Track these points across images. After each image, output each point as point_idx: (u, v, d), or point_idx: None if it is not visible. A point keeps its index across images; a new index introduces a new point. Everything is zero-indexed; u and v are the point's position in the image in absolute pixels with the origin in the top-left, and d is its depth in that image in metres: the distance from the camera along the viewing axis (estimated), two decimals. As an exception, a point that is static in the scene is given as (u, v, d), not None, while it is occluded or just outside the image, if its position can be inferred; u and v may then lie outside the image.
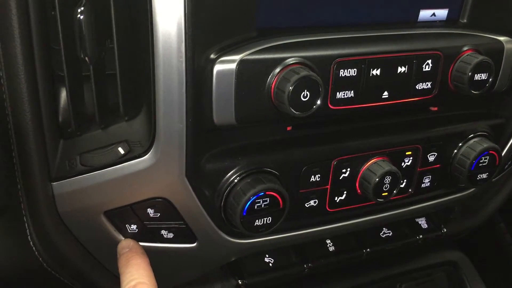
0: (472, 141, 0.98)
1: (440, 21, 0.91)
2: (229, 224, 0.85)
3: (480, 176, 0.99)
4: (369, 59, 0.80)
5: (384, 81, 0.82)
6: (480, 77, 0.86)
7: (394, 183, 0.90)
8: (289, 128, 0.86)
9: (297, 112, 0.73)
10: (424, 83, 0.86)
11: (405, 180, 0.97)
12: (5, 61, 0.72)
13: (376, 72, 0.81)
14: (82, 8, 0.71)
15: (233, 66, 0.72)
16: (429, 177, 1.00)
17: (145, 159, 0.76)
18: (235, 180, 0.82)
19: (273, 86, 0.74)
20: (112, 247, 0.84)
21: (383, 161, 0.91)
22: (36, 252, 0.84)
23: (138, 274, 0.76)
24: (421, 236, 1.16)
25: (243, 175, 0.82)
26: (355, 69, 0.79)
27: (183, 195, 0.80)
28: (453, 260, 1.34)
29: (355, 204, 0.95)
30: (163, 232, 0.85)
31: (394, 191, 0.91)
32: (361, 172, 0.91)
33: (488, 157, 0.97)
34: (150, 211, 0.82)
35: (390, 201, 0.94)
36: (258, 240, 0.91)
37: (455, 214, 1.20)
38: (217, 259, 0.96)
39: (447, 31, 0.89)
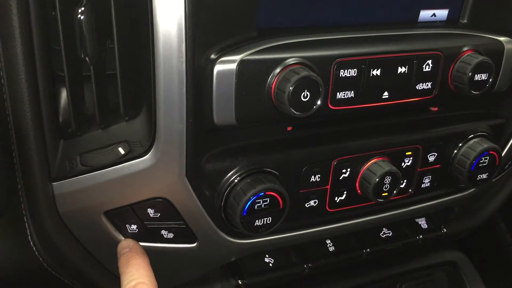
0: (472, 141, 0.98)
1: (440, 21, 0.91)
2: (229, 224, 0.85)
3: (480, 176, 0.99)
4: (370, 59, 0.80)
5: (384, 81, 0.82)
6: (480, 78, 0.86)
7: (394, 183, 0.90)
8: (289, 128, 0.86)
9: (297, 112, 0.73)
10: (424, 83, 0.86)
11: (405, 180, 0.97)
12: (6, 61, 0.72)
13: (376, 72, 0.81)
14: (83, 8, 0.71)
15: (233, 66, 0.72)
16: (429, 177, 1.00)
17: (145, 159, 0.76)
18: (235, 180, 0.82)
19: (273, 86, 0.74)
20: (112, 247, 0.84)
21: (383, 161, 0.91)
22: (36, 252, 0.84)
23: (138, 274, 0.76)
24: (421, 236, 1.16)
25: (243, 175, 0.82)
26: (356, 69, 0.79)
27: (183, 195, 0.80)
28: (453, 260, 1.34)
29: (355, 204, 0.95)
30: (163, 232, 0.85)
31: (394, 191, 0.91)
32: (361, 172, 0.91)
33: (488, 157, 0.97)
34: (150, 211, 0.82)
35: (390, 201, 0.94)
36: (258, 240, 0.91)
37: (455, 214, 1.20)
38: (217, 259, 0.96)
39: (447, 31, 0.89)
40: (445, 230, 1.20)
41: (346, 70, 0.78)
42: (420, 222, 1.20)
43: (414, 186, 0.99)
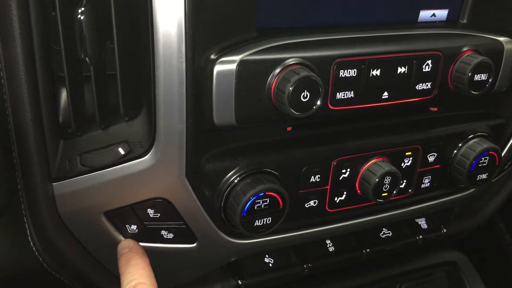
0: (472, 141, 0.98)
1: (440, 21, 0.91)
2: (229, 225, 0.85)
3: (480, 177, 0.99)
4: (369, 59, 0.80)
5: (384, 81, 0.82)
6: (480, 78, 0.86)
7: (394, 184, 0.90)
8: (289, 129, 0.86)
9: (297, 113, 0.73)
10: (424, 84, 0.86)
11: (405, 181, 0.97)
12: (6, 61, 0.72)
13: (376, 72, 0.81)
14: (83, 9, 0.71)
15: (233, 66, 0.72)
16: (428, 178, 1.00)
17: (145, 160, 0.76)
18: (235, 181, 0.82)
19: (273, 87, 0.74)
20: (112, 247, 0.84)
21: (383, 161, 0.91)
22: (36, 253, 0.84)
23: (138, 274, 0.76)
24: (421, 237, 1.16)
25: (243, 175, 0.82)
26: (355, 70, 0.79)
27: (183, 196, 0.80)
28: (452, 261, 1.34)
29: (355, 204, 0.95)
30: (163, 232, 0.85)
31: (394, 192, 0.91)
32: (361, 172, 0.91)
33: (488, 157, 0.98)
34: (150, 211, 0.82)
35: (390, 201, 0.94)
36: (258, 240, 0.91)
37: (455, 215, 1.20)
38: (217, 259, 0.96)
39: (447, 31, 0.89)
40: (445, 230, 1.20)
41: (346, 70, 0.78)
42: (420, 222, 1.20)
43: (414, 186, 0.99)
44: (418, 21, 0.89)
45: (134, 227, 0.84)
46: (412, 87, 0.85)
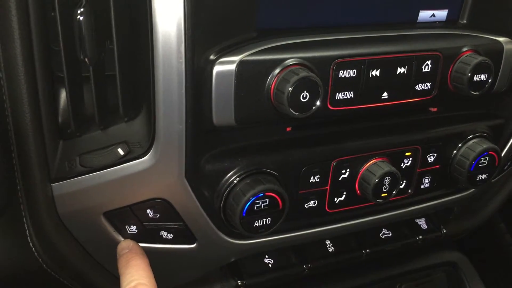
0: (471, 141, 0.98)
1: (440, 21, 0.91)
2: (228, 225, 0.85)
3: (479, 177, 0.99)
4: (369, 59, 0.80)
5: (383, 81, 0.82)
6: (480, 78, 0.86)
7: (394, 184, 0.90)
8: (288, 129, 0.86)
9: (296, 113, 0.73)
10: (423, 84, 0.86)
11: (404, 181, 0.97)
12: (5, 62, 0.72)
13: (375, 73, 0.81)
14: (82, 9, 0.71)
15: (232, 67, 0.72)
16: (428, 178, 1.00)
17: (145, 160, 0.76)
18: (235, 181, 0.82)
19: (272, 87, 0.74)
20: (111, 248, 0.84)
21: (383, 161, 0.91)
22: (35, 253, 0.84)
23: (138, 275, 0.76)
24: (420, 237, 1.16)
25: (243, 176, 0.82)
26: (355, 70, 0.79)
27: (182, 196, 0.80)
28: (452, 261, 1.34)
29: (355, 205, 0.95)
30: (162, 233, 0.85)
31: (394, 192, 0.91)
32: (360, 172, 0.91)
33: (487, 157, 0.97)
34: (149, 212, 0.82)
35: (390, 201, 0.94)
36: (257, 241, 0.91)
37: (455, 215, 1.20)
38: (217, 260, 0.96)
39: (446, 31, 0.89)
40: (444, 231, 1.20)
41: (345, 71, 0.78)
42: (419, 223, 1.20)
43: (414, 186, 0.99)
44: (417, 21, 0.89)
45: (133, 227, 0.84)
46: (412, 88, 0.85)
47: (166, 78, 0.71)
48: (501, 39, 0.90)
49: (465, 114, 1.00)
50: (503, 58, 0.90)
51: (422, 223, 1.20)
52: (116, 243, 0.84)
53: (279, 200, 0.82)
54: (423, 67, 0.84)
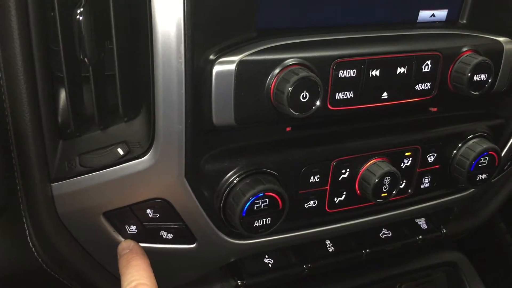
0: (471, 141, 0.98)
1: (440, 21, 0.91)
2: (228, 225, 0.85)
3: (479, 177, 0.99)
4: (369, 59, 0.80)
5: (383, 81, 0.82)
6: (480, 78, 0.86)
7: (394, 184, 0.90)
8: (288, 129, 0.86)
9: (296, 113, 0.73)
10: (423, 84, 0.86)
11: (404, 181, 0.97)
12: (5, 62, 0.72)
13: (375, 72, 0.81)
14: (81, 9, 0.71)
15: (232, 67, 0.72)
16: (428, 178, 1.00)
17: (144, 160, 0.76)
18: (235, 181, 0.82)
19: (272, 87, 0.74)
20: (111, 248, 0.84)
21: (383, 161, 0.91)
22: (35, 253, 0.84)
23: (139, 275, 0.76)
24: (420, 237, 1.16)
25: (243, 175, 0.82)
26: (355, 70, 0.79)
27: (182, 196, 0.80)
28: (452, 261, 1.34)
29: (355, 204, 0.95)
30: (162, 233, 0.85)
31: (394, 192, 0.91)
32: (360, 172, 0.91)
33: (487, 157, 0.97)
34: (149, 212, 0.82)
35: (390, 201, 0.94)
36: (257, 240, 0.91)
37: (455, 215, 1.20)
38: (217, 259, 0.96)
39: (446, 31, 0.89)
40: (444, 231, 1.20)
41: (345, 71, 0.78)
42: (419, 223, 1.20)
43: (414, 186, 0.99)
44: (417, 21, 0.88)
45: (133, 227, 0.84)
46: (412, 87, 0.85)
47: (166, 78, 0.71)
48: (501, 39, 0.90)
49: (465, 114, 1.00)
50: (503, 58, 0.90)
51: (422, 223, 1.20)
52: (116, 243, 0.84)
53: (279, 200, 0.82)
54: (423, 67, 0.84)
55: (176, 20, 0.68)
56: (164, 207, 0.81)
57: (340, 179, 0.91)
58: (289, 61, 0.74)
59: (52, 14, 0.74)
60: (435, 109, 0.96)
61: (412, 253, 1.29)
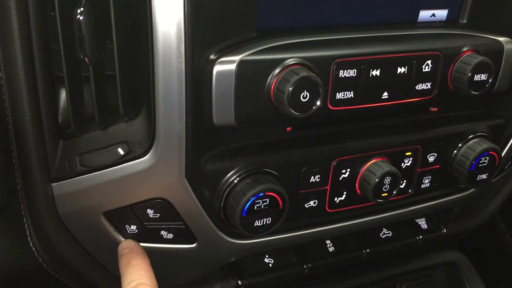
0: (472, 141, 0.98)
1: (440, 21, 0.91)
2: (228, 225, 0.85)
3: (480, 177, 0.99)
4: (369, 59, 0.80)
5: (384, 81, 0.82)
6: (480, 78, 0.86)
7: (394, 184, 0.90)
8: (288, 129, 0.86)
9: (296, 113, 0.73)
10: (424, 84, 0.86)
11: (404, 181, 0.97)
12: (5, 61, 0.72)
13: (375, 72, 0.81)
14: (82, 9, 0.71)
15: (232, 66, 0.72)
16: (428, 178, 1.00)
17: (145, 160, 0.76)
18: (235, 181, 0.82)
19: (272, 87, 0.74)
20: (112, 247, 0.84)
21: (383, 161, 0.91)
22: (35, 253, 0.84)
23: (139, 275, 0.76)
24: (421, 237, 1.16)
25: (243, 175, 0.82)
26: (355, 70, 0.79)
27: (182, 196, 0.80)
28: (453, 261, 1.34)
29: (355, 204, 0.95)
30: (162, 232, 0.85)
31: (394, 192, 0.91)
32: (360, 172, 0.91)
33: (488, 157, 0.97)
34: (149, 211, 0.82)
35: (390, 201, 0.94)
36: (257, 240, 0.91)
37: (455, 215, 1.20)
38: (217, 259, 0.96)
39: (446, 31, 0.89)
40: (445, 231, 1.20)
41: (345, 71, 0.78)
42: (420, 223, 1.20)
43: (414, 186, 0.99)
44: (418, 21, 0.88)
45: (133, 227, 0.84)
46: (412, 87, 0.85)
47: (166, 78, 0.71)
48: (501, 39, 0.90)
49: (465, 114, 1.00)
50: (503, 58, 0.90)
51: (422, 223, 1.20)
52: (116, 243, 0.84)
53: (279, 200, 0.82)
54: (423, 67, 0.84)
55: (176, 20, 0.68)
56: (164, 207, 0.81)
57: (340, 179, 0.91)
58: (290, 61, 0.74)
59: (52, 13, 0.74)
60: (435, 109, 0.96)
61: (412, 253, 1.29)
